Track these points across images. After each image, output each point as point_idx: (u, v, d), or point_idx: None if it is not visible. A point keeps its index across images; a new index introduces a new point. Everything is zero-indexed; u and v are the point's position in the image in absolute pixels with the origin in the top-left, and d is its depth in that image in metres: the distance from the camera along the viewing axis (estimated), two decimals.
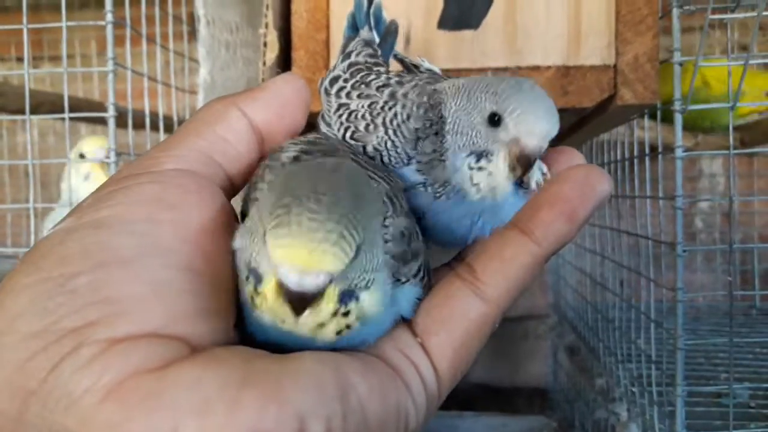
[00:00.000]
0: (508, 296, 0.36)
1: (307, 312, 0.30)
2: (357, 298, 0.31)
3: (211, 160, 0.36)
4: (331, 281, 0.29)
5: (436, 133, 0.40)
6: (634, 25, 0.67)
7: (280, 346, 0.32)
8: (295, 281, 0.29)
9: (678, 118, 0.64)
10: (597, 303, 1.05)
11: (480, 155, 0.39)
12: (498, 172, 0.38)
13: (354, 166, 0.35)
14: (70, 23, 0.72)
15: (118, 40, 0.73)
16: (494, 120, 0.38)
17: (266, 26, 0.68)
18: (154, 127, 0.88)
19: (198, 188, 0.34)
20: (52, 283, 0.29)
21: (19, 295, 0.29)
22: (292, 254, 0.28)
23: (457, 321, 0.35)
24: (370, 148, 0.41)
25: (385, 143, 0.41)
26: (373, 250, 0.32)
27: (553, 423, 1.12)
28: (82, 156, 1.13)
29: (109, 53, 0.68)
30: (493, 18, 0.68)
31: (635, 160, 0.81)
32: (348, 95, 0.45)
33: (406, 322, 0.36)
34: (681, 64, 0.64)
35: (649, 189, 0.80)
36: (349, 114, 0.44)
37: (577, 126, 0.83)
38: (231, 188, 0.38)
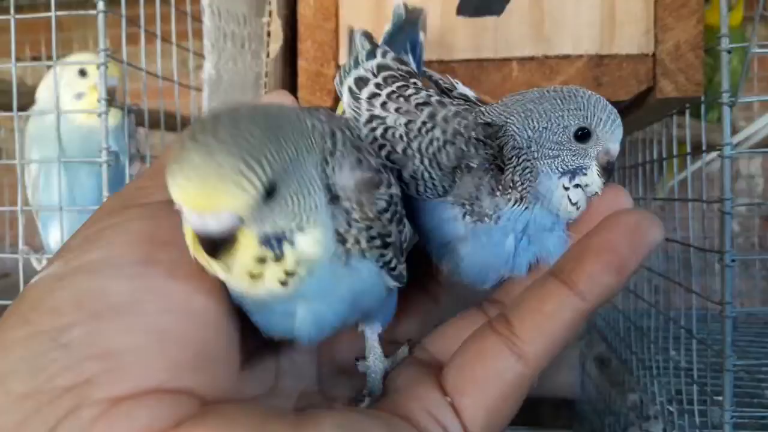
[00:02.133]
0: (547, 355, 0.33)
1: (223, 257, 0.28)
2: (291, 242, 0.29)
3: None
4: (242, 223, 0.28)
5: (490, 167, 0.38)
6: (676, 10, 0.60)
7: (266, 323, 0.32)
8: (197, 223, 0.27)
9: (727, 112, 0.57)
10: (630, 312, 0.98)
11: (573, 173, 0.38)
12: (595, 185, 0.38)
13: (289, 107, 0.33)
14: (60, 13, 0.68)
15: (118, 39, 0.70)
16: (582, 135, 0.38)
17: (270, 14, 0.63)
18: (156, 125, 0.84)
19: None
20: (44, 337, 0.27)
21: (8, 351, 0.27)
22: (187, 194, 0.27)
23: (492, 382, 0.32)
24: (405, 174, 0.40)
25: (422, 174, 0.39)
26: (305, 189, 0.29)
27: None
28: (83, 73, 0.93)
29: (101, 44, 0.64)
30: (517, 3, 0.63)
31: (675, 160, 0.74)
32: (384, 106, 0.42)
33: (436, 377, 0.34)
34: (729, 52, 0.57)
35: (690, 191, 0.73)
36: (385, 130, 0.41)
37: None
38: None
